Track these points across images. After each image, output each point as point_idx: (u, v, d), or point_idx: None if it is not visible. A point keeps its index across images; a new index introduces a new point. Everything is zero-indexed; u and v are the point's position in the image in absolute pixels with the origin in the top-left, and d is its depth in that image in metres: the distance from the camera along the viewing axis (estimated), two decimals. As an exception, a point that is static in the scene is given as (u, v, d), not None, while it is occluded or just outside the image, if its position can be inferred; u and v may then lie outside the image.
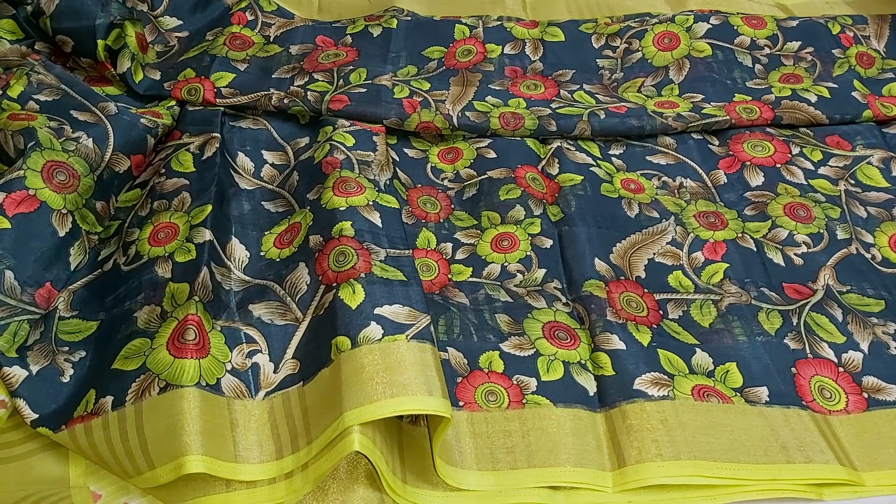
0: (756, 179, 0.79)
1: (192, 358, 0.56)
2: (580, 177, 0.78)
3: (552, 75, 0.90)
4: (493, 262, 0.70)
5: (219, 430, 0.53)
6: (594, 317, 0.64)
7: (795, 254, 0.71)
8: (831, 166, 0.80)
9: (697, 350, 0.63)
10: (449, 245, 0.72)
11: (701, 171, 0.80)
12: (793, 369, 0.62)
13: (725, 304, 0.67)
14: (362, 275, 0.60)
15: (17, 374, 0.56)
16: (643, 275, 0.69)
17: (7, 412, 0.55)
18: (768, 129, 0.84)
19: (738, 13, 0.95)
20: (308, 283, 0.63)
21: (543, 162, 0.80)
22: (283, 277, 0.65)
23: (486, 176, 0.78)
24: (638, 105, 0.85)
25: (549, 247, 0.71)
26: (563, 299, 0.67)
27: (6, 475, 0.54)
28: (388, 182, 0.74)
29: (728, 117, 0.83)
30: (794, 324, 0.65)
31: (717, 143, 0.83)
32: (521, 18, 0.98)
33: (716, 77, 0.89)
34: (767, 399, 0.60)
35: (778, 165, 0.80)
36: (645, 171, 0.80)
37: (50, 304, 0.62)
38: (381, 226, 0.66)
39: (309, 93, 0.82)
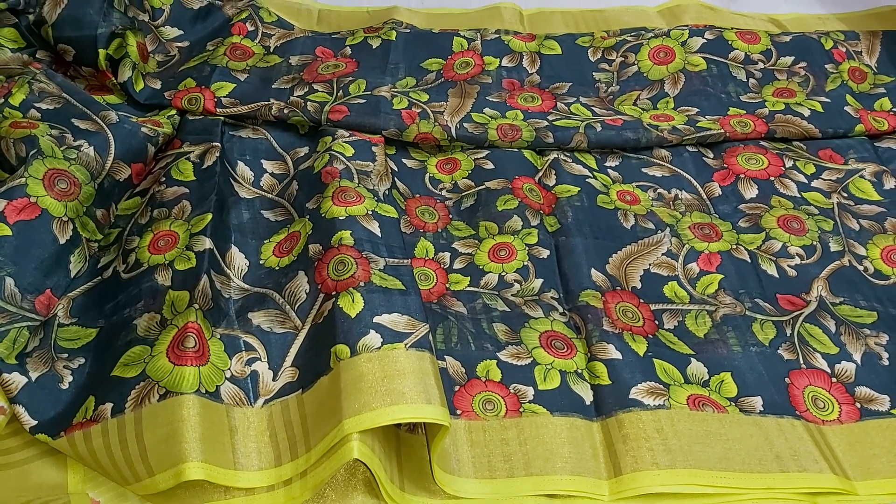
0: (750, 192, 0.80)
1: (191, 365, 0.56)
2: (577, 188, 0.78)
3: (549, 88, 0.91)
4: (490, 272, 0.71)
5: (218, 438, 0.54)
6: (591, 326, 0.65)
7: (789, 265, 0.72)
8: (824, 179, 0.81)
9: (692, 360, 0.64)
10: (447, 254, 0.73)
11: (696, 183, 0.81)
12: (786, 379, 0.63)
13: (720, 314, 0.68)
14: (361, 283, 0.61)
15: (17, 380, 0.56)
16: (639, 285, 0.70)
17: (6, 418, 0.55)
18: (762, 143, 0.85)
19: (732, 28, 0.97)
20: (307, 291, 0.64)
21: (540, 173, 0.81)
22: (282, 286, 0.65)
23: (484, 186, 0.79)
24: (634, 118, 0.86)
25: (546, 257, 0.72)
26: (560, 309, 0.68)
27: (5, 481, 0.54)
28: (386, 192, 0.75)
29: (722, 130, 0.84)
30: (788, 334, 0.66)
31: (711, 155, 0.84)
32: (518, 31, 0.99)
33: (710, 91, 0.90)
34: (762, 409, 0.60)
35: (772, 178, 0.81)
36: (640, 183, 0.81)
37: (50, 310, 0.62)
38: (380, 235, 0.67)
39: (308, 103, 0.83)
